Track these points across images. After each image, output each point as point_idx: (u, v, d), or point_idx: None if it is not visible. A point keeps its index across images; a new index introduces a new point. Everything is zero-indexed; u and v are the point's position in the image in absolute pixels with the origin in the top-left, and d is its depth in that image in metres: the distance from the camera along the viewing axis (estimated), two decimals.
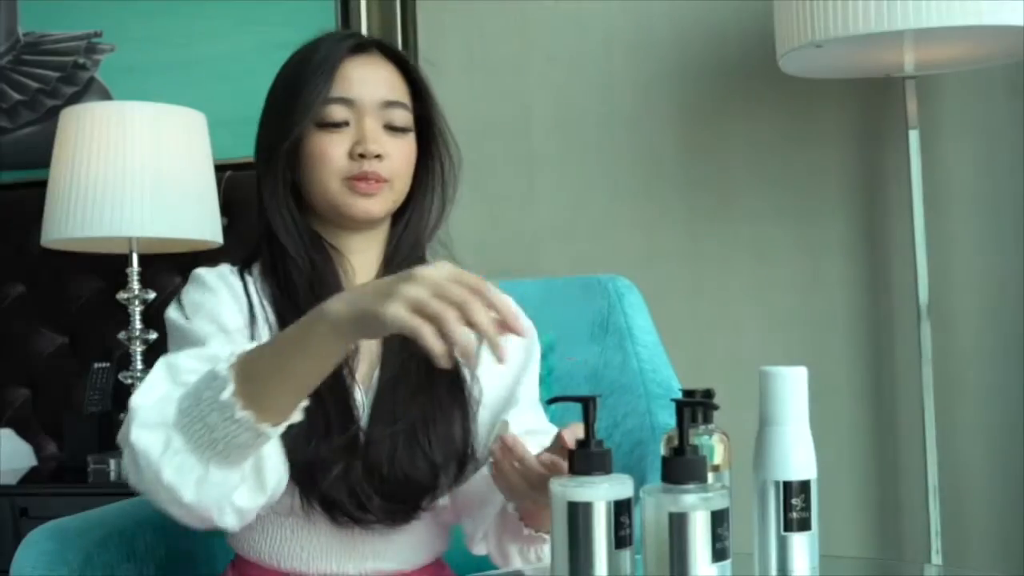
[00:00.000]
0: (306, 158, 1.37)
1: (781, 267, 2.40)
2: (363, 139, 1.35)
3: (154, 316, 2.48)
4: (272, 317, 1.35)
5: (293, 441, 1.21)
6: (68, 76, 2.79)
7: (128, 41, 2.76)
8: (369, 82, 1.37)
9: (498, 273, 1.50)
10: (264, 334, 1.33)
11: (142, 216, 2.24)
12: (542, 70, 2.54)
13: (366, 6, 2.60)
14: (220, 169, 2.47)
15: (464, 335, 0.98)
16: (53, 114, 2.53)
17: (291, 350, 1.10)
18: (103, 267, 2.63)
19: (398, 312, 1.00)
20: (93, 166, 2.24)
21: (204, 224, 2.34)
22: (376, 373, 1.36)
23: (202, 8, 2.70)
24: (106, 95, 2.75)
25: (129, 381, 2.34)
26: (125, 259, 2.36)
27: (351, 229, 1.40)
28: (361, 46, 1.40)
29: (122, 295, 2.35)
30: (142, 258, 2.37)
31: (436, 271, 1.02)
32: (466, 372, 1.37)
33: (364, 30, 2.58)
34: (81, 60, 2.78)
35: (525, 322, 1.08)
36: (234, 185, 2.56)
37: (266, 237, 1.40)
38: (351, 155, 1.35)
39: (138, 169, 2.25)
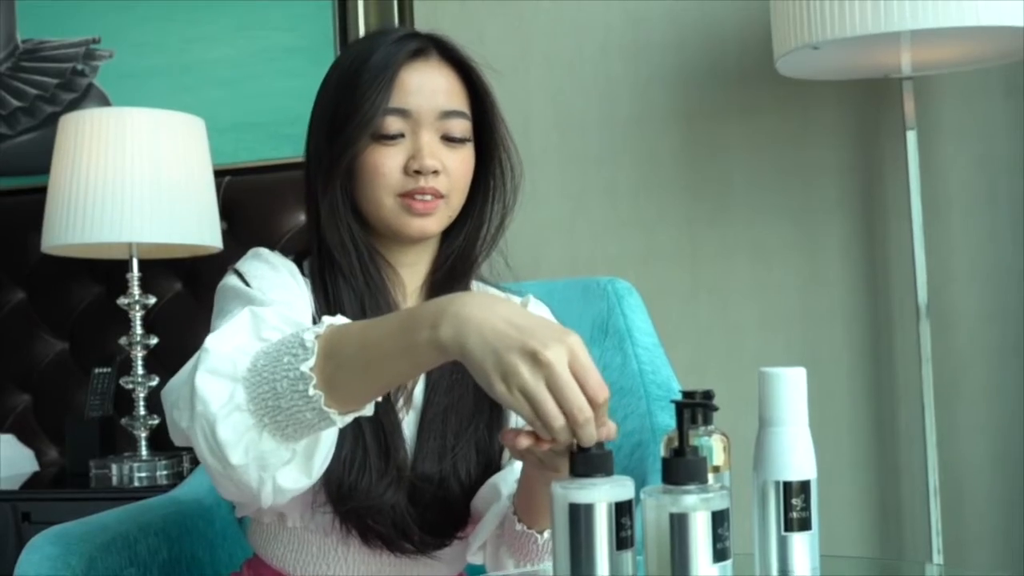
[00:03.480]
0: (360, 172, 1.31)
1: (780, 268, 2.40)
2: (419, 154, 1.30)
3: (154, 321, 2.49)
4: None
5: (335, 466, 1.18)
6: (67, 82, 2.79)
7: (126, 47, 2.76)
8: (427, 91, 1.31)
9: (497, 275, 1.50)
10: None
11: (142, 221, 2.24)
12: (540, 72, 2.54)
13: (363, 10, 2.61)
14: (219, 174, 2.47)
15: (569, 436, 0.94)
16: (52, 120, 2.53)
17: (384, 349, 1.02)
18: (103, 272, 2.64)
19: (510, 399, 0.95)
20: (92, 172, 2.25)
21: (204, 229, 2.34)
22: (421, 391, 1.33)
23: (200, 13, 2.70)
24: (105, 101, 2.75)
25: (130, 386, 2.34)
26: (125, 264, 2.36)
27: (405, 244, 1.36)
28: (420, 51, 1.33)
29: (122, 300, 2.36)
30: (142, 263, 2.37)
31: (561, 355, 0.94)
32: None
33: (362, 35, 2.58)
34: (80, 66, 2.78)
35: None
36: (233, 190, 2.57)
37: (318, 246, 1.34)
38: (406, 170, 1.30)
39: (137, 175, 2.25)
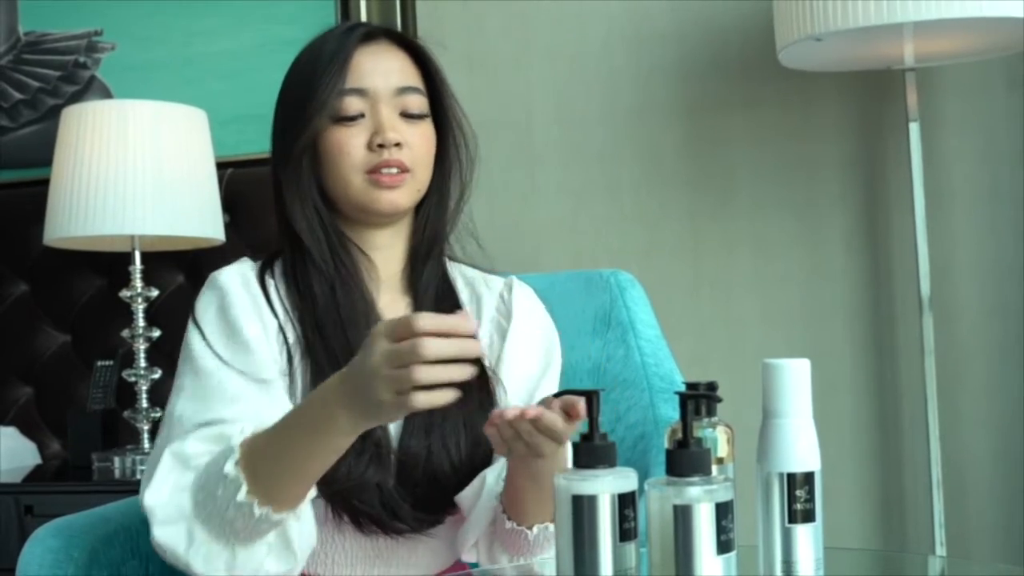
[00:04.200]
0: (325, 155, 1.34)
1: (782, 260, 2.40)
2: (381, 128, 1.33)
3: (157, 313, 2.49)
4: (297, 326, 1.32)
5: None
6: (69, 75, 2.79)
7: (129, 39, 2.76)
8: (381, 71, 1.35)
9: (500, 268, 1.51)
10: (291, 337, 1.32)
11: (144, 214, 2.24)
12: (542, 66, 2.54)
13: (366, 3, 2.60)
14: (221, 166, 2.47)
15: (454, 370, 1.02)
16: (54, 113, 2.53)
17: (301, 451, 1.13)
18: (105, 265, 2.63)
19: (409, 408, 1.03)
20: (95, 165, 2.25)
21: (206, 221, 2.34)
22: None
23: (202, 6, 2.70)
24: (107, 93, 2.75)
25: (133, 379, 2.34)
26: (127, 257, 2.36)
27: (376, 225, 1.38)
28: (371, 35, 1.37)
29: (125, 293, 2.36)
30: (144, 256, 2.37)
31: (374, 349, 1.03)
32: (493, 377, 1.36)
33: None
34: (82, 59, 2.78)
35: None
36: (235, 182, 2.56)
37: (288, 239, 1.37)
38: (370, 146, 1.33)
39: (139, 167, 2.25)
